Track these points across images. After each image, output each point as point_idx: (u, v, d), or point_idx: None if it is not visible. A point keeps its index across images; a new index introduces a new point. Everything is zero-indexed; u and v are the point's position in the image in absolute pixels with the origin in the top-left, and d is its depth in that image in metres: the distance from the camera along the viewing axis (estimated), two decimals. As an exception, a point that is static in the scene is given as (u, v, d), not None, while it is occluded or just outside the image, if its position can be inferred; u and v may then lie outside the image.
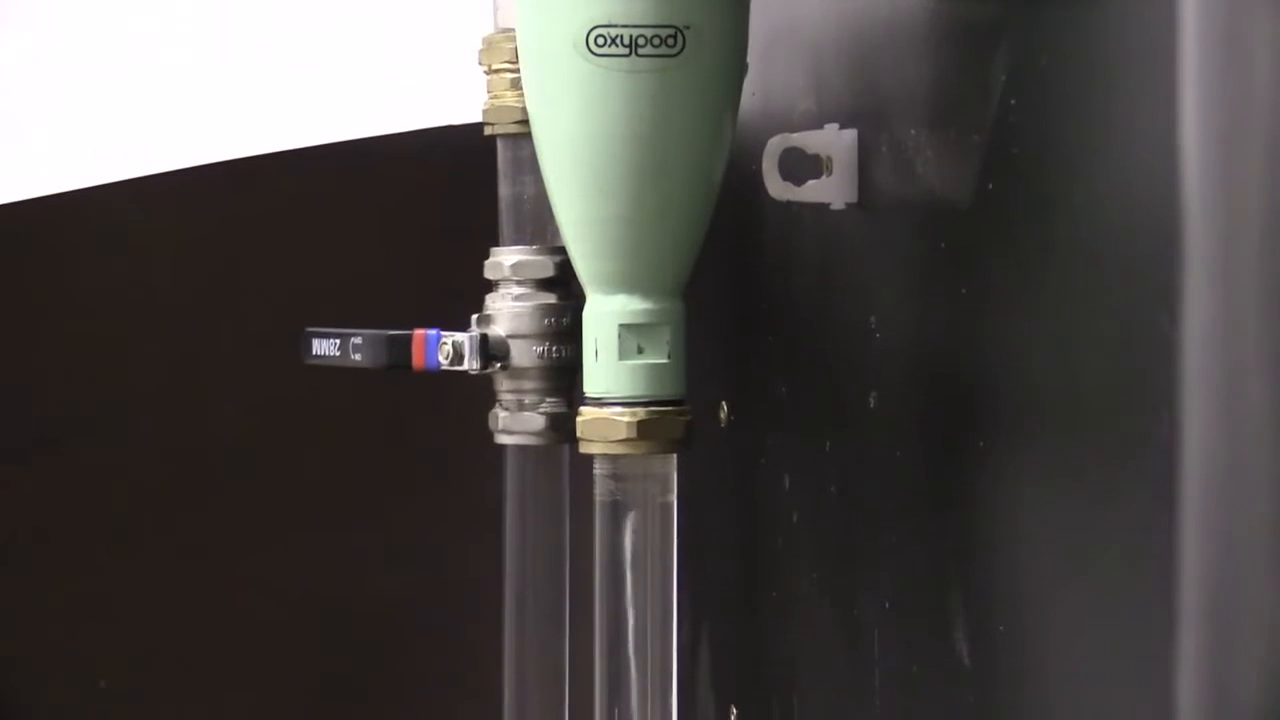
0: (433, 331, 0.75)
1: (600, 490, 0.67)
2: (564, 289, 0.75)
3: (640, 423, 0.65)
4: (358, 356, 0.77)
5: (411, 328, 0.75)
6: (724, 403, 0.78)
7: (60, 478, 0.97)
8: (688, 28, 0.62)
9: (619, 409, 0.65)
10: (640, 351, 0.65)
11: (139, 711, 0.98)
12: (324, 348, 0.78)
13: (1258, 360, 0.45)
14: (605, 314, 0.65)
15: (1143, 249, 0.48)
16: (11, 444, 0.96)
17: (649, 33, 0.61)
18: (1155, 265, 0.47)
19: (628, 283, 0.65)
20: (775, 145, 0.67)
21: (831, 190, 0.66)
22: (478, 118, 0.77)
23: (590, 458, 0.67)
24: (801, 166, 0.66)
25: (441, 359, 0.75)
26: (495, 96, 0.76)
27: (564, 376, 0.75)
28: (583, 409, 0.66)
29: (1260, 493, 0.45)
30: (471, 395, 0.78)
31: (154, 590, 0.98)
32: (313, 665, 1.00)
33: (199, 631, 0.98)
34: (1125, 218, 0.49)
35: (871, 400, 0.64)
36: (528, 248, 0.75)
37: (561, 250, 0.73)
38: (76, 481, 0.97)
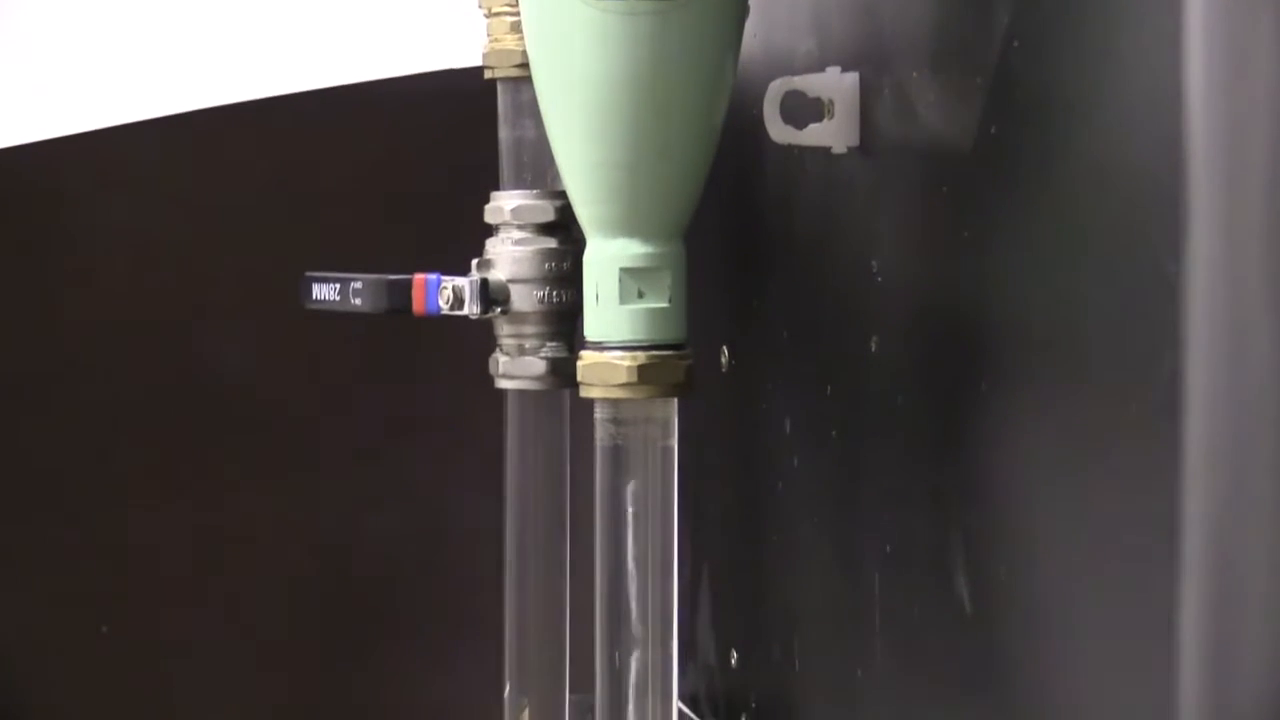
0: (433, 276, 0.75)
1: (601, 434, 0.67)
2: (564, 233, 0.74)
3: (641, 367, 0.65)
4: (358, 301, 0.76)
5: (412, 272, 0.75)
6: (725, 347, 0.78)
7: (59, 420, 0.97)
8: (688, -31, 0.61)
9: (620, 353, 0.65)
10: (641, 296, 0.65)
11: (140, 655, 0.98)
12: (324, 292, 0.78)
13: (1262, 300, 0.45)
14: (606, 258, 0.65)
15: (1146, 190, 0.48)
16: (11, 385, 0.96)
17: (649, -26, 0.61)
18: (1159, 206, 0.47)
19: (628, 227, 0.65)
20: (776, 89, 0.66)
21: (833, 134, 0.65)
22: (478, 61, 0.77)
23: (591, 402, 0.67)
24: (803, 110, 0.66)
25: (442, 303, 0.74)
26: (495, 40, 0.76)
27: (564, 321, 0.75)
28: (583, 353, 0.66)
29: (1265, 433, 0.45)
30: (472, 340, 0.78)
31: (154, 533, 0.98)
32: (314, 607, 1.00)
33: (200, 574, 0.99)
34: (1129, 159, 0.49)
35: (873, 344, 0.64)
36: (528, 192, 0.75)
37: (562, 194, 0.72)
38: (76, 423, 0.97)
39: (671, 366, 0.65)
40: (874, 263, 0.64)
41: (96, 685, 0.98)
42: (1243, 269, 0.45)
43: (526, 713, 0.77)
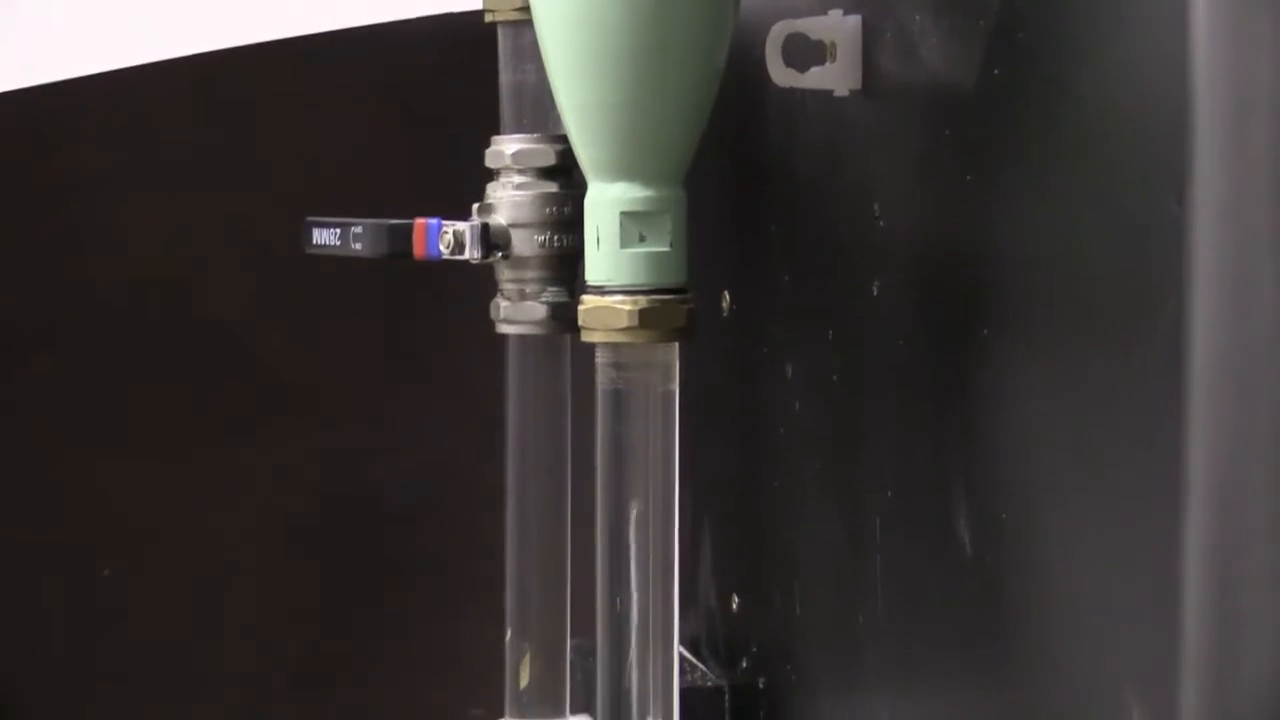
0: (433, 220, 0.74)
1: (602, 379, 0.67)
2: (565, 177, 0.74)
3: (642, 311, 0.65)
4: (358, 246, 0.76)
5: (412, 217, 0.75)
6: (726, 292, 0.78)
7: (58, 367, 0.97)
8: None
9: (621, 297, 0.65)
10: (642, 239, 0.65)
11: (141, 598, 0.98)
12: (324, 237, 0.78)
13: (1267, 243, 0.45)
14: (606, 202, 0.65)
15: (1151, 132, 0.47)
16: (11, 332, 0.96)
17: (649, -87, 0.61)
18: (1164, 149, 0.47)
19: (629, 170, 0.64)
20: (778, 31, 0.66)
21: (835, 77, 0.65)
22: (478, 4, 0.76)
23: (592, 347, 0.67)
24: (805, 52, 0.66)
25: (442, 248, 0.74)
26: (495, -18, 0.75)
27: (565, 266, 0.75)
28: (584, 297, 0.66)
29: (1269, 378, 0.45)
30: (473, 285, 0.77)
31: (153, 479, 0.98)
32: (313, 555, 1.00)
33: (199, 521, 0.99)
34: (1134, 101, 0.48)
35: (874, 288, 0.64)
36: (529, 136, 0.75)
37: (563, 138, 0.72)
38: (75, 371, 0.97)
39: (673, 311, 0.65)
40: (876, 206, 0.64)
41: (98, 629, 0.98)
42: (1248, 211, 0.45)
43: (528, 658, 0.77)
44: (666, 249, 0.65)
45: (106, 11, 0.96)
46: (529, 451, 0.77)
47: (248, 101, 0.97)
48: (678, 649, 0.70)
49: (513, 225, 0.74)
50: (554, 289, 0.75)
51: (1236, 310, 0.45)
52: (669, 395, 0.67)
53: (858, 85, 0.65)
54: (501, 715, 0.78)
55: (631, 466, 0.67)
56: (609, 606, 0.68)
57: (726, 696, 0.79)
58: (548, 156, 0.74)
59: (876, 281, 0.64)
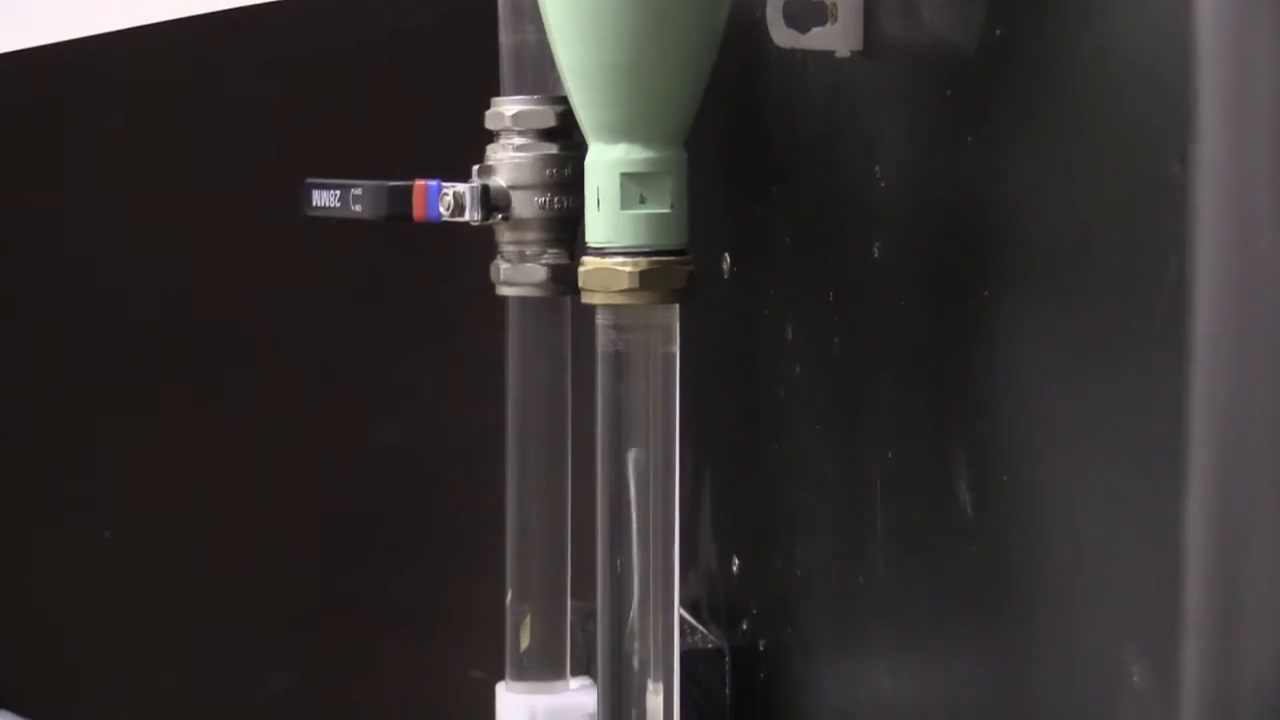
0: (433, 182, 0.74)
1: (602, 341, 0.67)
2: (566, 139, 0.74)
3: (642, 272, 0.65)
4: (358, 208, 0.76)
5: (412, 178, 0.75)
6: (726, 254, 0.78)
7: (60, 332, 0.97)
8: None
9: (621, 259, 0.65)
10: (642, 201, 0.65)
11: (141, 560, 0.98)
12: (324, 199, 0.78)
13: (1269, 205, 0.45)
14: (607, 163, 0.65)
15: (1153, 94, 0.47)
16: (11, 297, 0.96)
17: None
18: (1166, 109, 0.46)
19: (629, 131, 0.64)
20: (780, -8, 0.66)
21: (836, 37, 0.65)
22: (478, -35, 0.76)
23: (592, 309, 0.67)
24: (806, 13, 0.65)
25: (442, 210, 0.74)
26: (495, -57, 0.75)
27: (566, 227, 0.74)
28: (584, 259, 0.66)
29: (1270, 337, 0.45)
30: (473, 247, 0.77)
31: (156, 442, 0.98)
32: (315, 517, 1.00)
33: (201, 484, 0.99)
34: (1136, 62, 0.48)
35: (876, 250, 0.64)
36: (529, 98, 0.75)
37: (563, 100, 0.72)
38: (76, 335, 0.97)
39: (673, 272, 0.65)
40: (877, 168, 0.63)
41: (100, 590, 0.98)
42: (1250, 173, 0.45)
43: (528, 621, 0.77)
44: (667, 210, 0.65)
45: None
46: (529, 413, 0.77)
47: (246, 63, 0.97)
48: (678, 611, 0.70)
49: (513, 187, 0.74)
50: (554, 251, 0.74)
51: (1239, 271, 0.45)
52: (669, 357, 0.67)
53: (859, 46, 0.65)
54: (502, 677, 0.78)
55: (632, 428, 0.67)
56: (609, 569, 0.68)
57: (727, 658, 0.79)
58: (548, 118, 0.74)
59: (877, 243, 0.64)
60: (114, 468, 0.97)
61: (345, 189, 0.77)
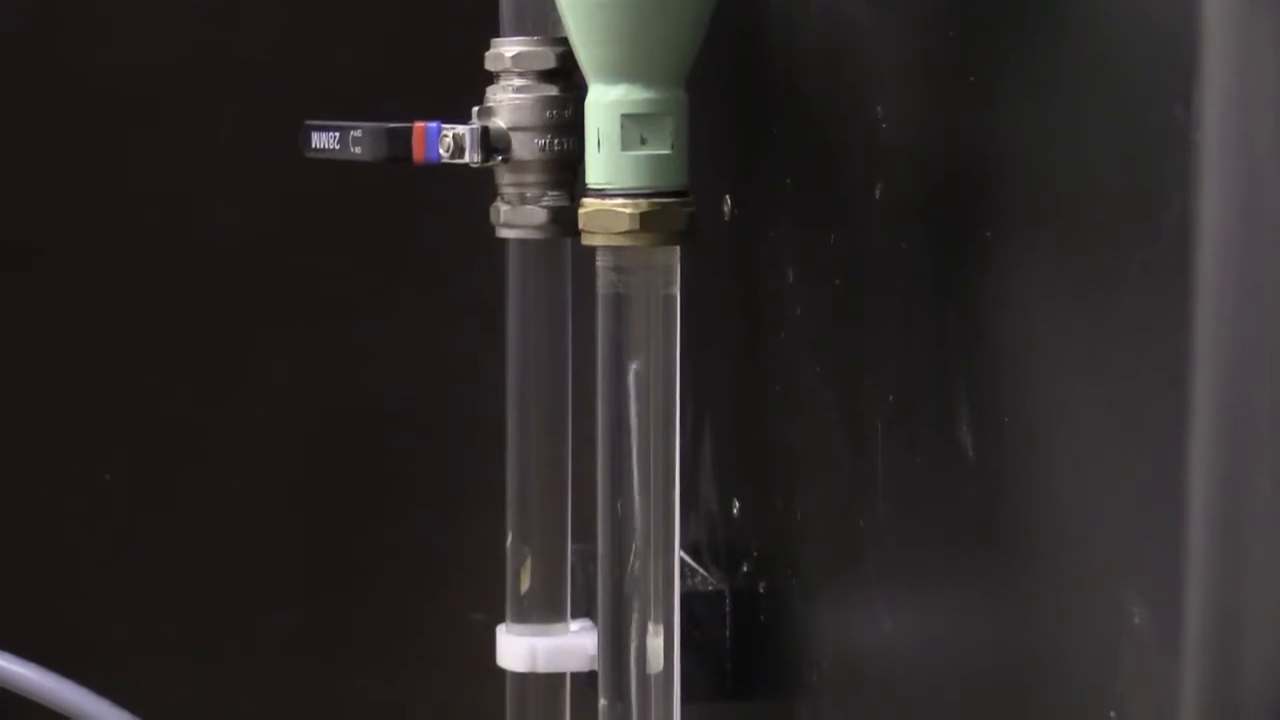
0: (433, 124, 0.74)
1: (602, 283, 0.67)
2: (566, 80, 0.74)
3: (643, 214, 0.65)
4: (357, 149, 0.76)
5: (411, 120, 0.74)
6: (727, 196, 0.78)
7: (58, 277, 0.96)
8: None
9: (621, 200, 0.65)
10: (643, 142, 0.65)
11: (141, 503, 0.98)
12: (323, 141, 0.77)
13: (1274, 146, 0.45)
14: (607, 104, 0.64)
15: (1157, 35, 0.47)
16: (9, 243, 0.96)
17: None
18: (1170, 51, 0.46)
19: (630, 72, 0.64)
20: (781, -69, 0.65)
21: (838, -23, 0.65)
22: (477, -96, 0.76)
23: (592, 252, 0.67)
24: (808, -47, 0.65)
25: (442, 151, 0.74)
26: (494, -119, 0.75)
27: (566, 169, 0.74)
28: (585, 200, 0.66)
29: (1275, 278, 0.45)
30: (472, 189, 0.77)
31: (154, 388, 0.98)
32: (313, 460, 1.00)
33: (199, 428, 0.99)
34: (1141, 2, 0.48)
35: (877, 191, 0.63)
36: (529, 39, 0.74)
37: (563, 41, 0.72)
38: (75, 280, 0.97)
39: (674, 213, 0.65)
40: (879, 109, 0.63)
41: (100, 533, 0.98)
42: (1255, 114, 0.45)
43: (528, 563, 0.77)
44: (668, 151, 0.65)
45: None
46: (529, 356, 0.77)
47: (245, 4, 0.96)
48: (678, 553, 0.70)
49: (512, 129, 0.74)
50: (554, 193, 0.74)
51: (1242, 212, 0.45)
52: (670, 299, 0.67)
53: (861, -14, 0.64)
54: (502, 620, 0.78)
55: (632, 370, 0.67)
56: (610, 511, 0.68)
57: (727, 600, 0.79)
58: (548, 59, 0.74)
59: (879, 185, 0.63)
60: (112, 412, 0.97)
61: (345, 131, 0.76)
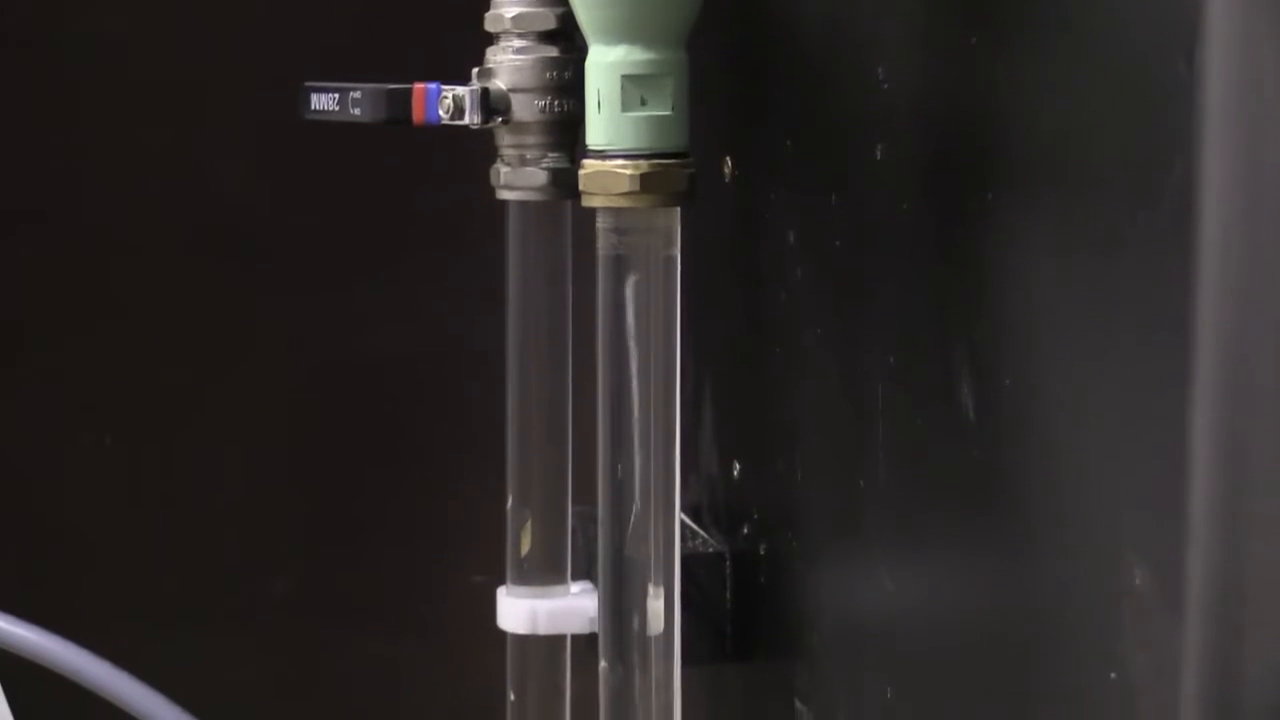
0: (433, 85, 0.74)
1: (603, 245, 0.67)
2: (566, 41, 0.73)
3: (643, 175, 0.64)
4: (357, 111, 0.76)
5: (411, 81, 0.74)
6: (728, 157, 0.78)
7: (58, 242, 0.96)
8: None
9: (621, 161, 0.65)
10: (643, 103, 0.64)
11: (140, 465, 0.98)
12: (323, 102, 0.77)
13: (1277, 105, 0.44)
14: (607, 65, 0.64)
15: (1160, -8, 0.47)
16: (8, 207, 0.95)
17: None
18: (1172, 8, 0.46)
19: (630, 32, 0.64)
20: (782, -109, 0.65)
21: (839, -63, 0.64)
22: None
23: (593, 213, 0.67)
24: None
25: (442, 113, 0.74)
26: None
27: (566, 131, 0.74)
28: (585, 162, 0.66)
29: (1278, 239, 0.44)
30: (472, 151, 0.77)
31: (155, 352, 0.98)
32: (313, 422, 1.00)
33: (200, 391, 0.98)
34: (1142, -40, 0.48)
35: (878, 153, 0.63)
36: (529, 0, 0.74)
37: (563, 2, 0.71)
38: (75, 245, 0.96)
39: (674, 175, 0.65)
40: (880, 69, 0.63)
41: (100, 496, 0.98)
42: (1257, 74, 0.45)
43: (529, 525, 0.77)
44: (668, 113, 0.64)
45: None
46: (529, 318, 0.76)
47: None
48: (679, 516, 0.70)
49: (513, 90, 0.73)
50: (554, 154, 0.74)
51: (1245, 172, 0.45)
52: (670, 260, 0.67)
53: (862, -54, 0.64)
54: (503, 582, 0.78)
55: (632, 332, 0.67)
56: (610, 473, 0.68)
57: (727, 563, 0.79)
58: (548, 20, 0.73)
59: (880, 146, 0.63)
60: (111, 375, 0.97)
61: (344, 92, 0.76)
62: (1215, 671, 0.46)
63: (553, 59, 0.73)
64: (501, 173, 0.75)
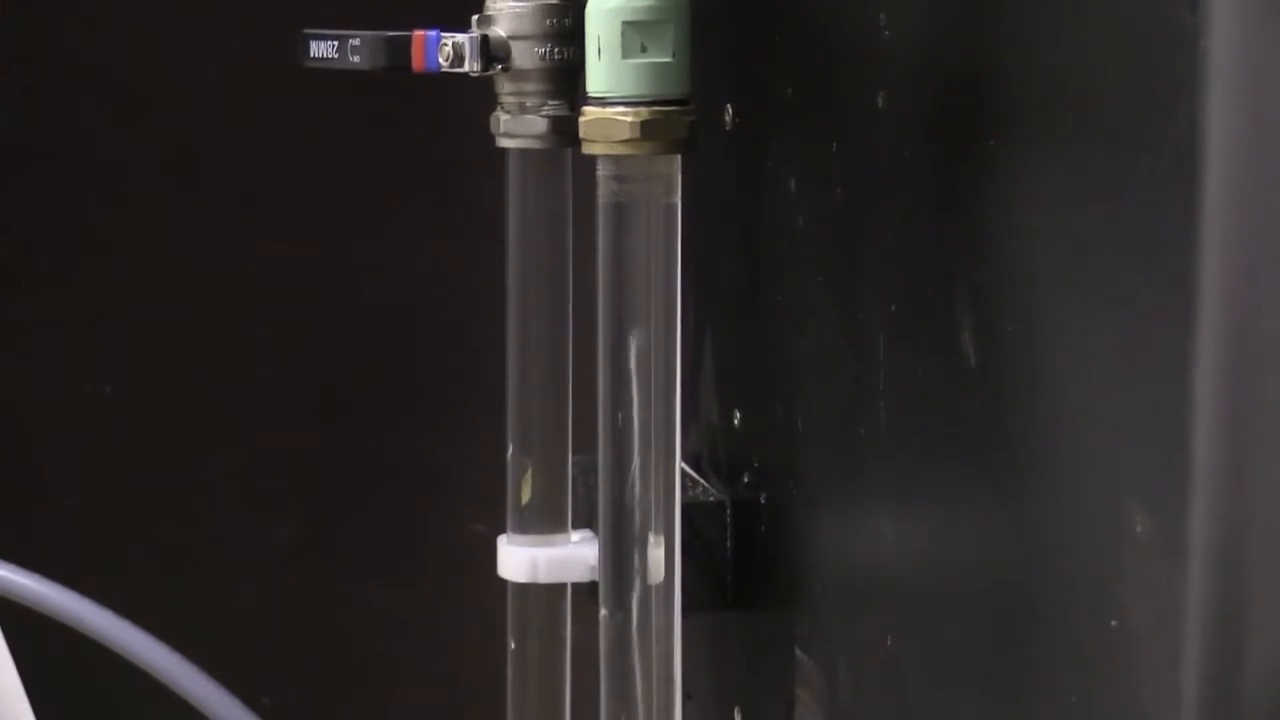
0: (432, 32, 0.73)
1: (603, 192, 0.66)
2: (566, -12, 0.73)
3: (644, 122, 0.64)
4: (356, 58, 0.75)
5: (411, 29, 0.74)
6: (729, 105, 0.77)
7: (53, 185, 0.96)
8: None
9: (622, 108, 0.64)
10: (644, 50, 0.64)
11: (140, 414, 0.98)
12: (322, 50, 0.77)
13: (1281, 49, 0.44)
14: (608, 10, 0.64)
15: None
16: (7, 149, 0.95)
17: None
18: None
19: (631, -22, 0.63)
20: None
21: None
22: None
23: (593, 161, 0.67)
24: None
25: (441, 60, 0.73)
26: None
27: (566, 79, 0.74)
28: (585, 109, 0.65)
29: (1282, 183, 0.44)
30: (472, 98, 0.77)
31: (154, 299, 0.98)
32: (313, 370, 1.00)
33: (197, 338, 0.98)
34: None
35: (880, 100, 0.63)
36: (529, -55, 0.74)
37: (564, -52, 0.71)
38: (75, 190, 0.96)
39: (675, 122, 0.65)
40: (882, 16, 0.63)
41: (101, 445, 0.98)
42: (1262, 20, 0.44)
43: (529, 474, 0.77)
44: (669, 59, 0.64)
45: None
46: (530, 266, 0.76)
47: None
48: (679, 464, 0.70)
49: (512, 37, 0.73)
50: (555, 102, 0.74)
51: (1249, 120, 0.45)
52: (671, 208, 0.67)
53: (864, -108, 0.64)
54: (503, 531, 0.79)
55: (633, 280, 0.67)
56: (610, 422, 0.68)
57: (728, 511, 0.79)
58: (548, -34, 0.73)
59: (881, 93, 0.63)
60: (111, 324, 0.97)
61: (343, 40, 0.76)
62: (1216, 619, 0.46)
63: (553, 5, 0.73)
64: (501, 121, 0.74)
